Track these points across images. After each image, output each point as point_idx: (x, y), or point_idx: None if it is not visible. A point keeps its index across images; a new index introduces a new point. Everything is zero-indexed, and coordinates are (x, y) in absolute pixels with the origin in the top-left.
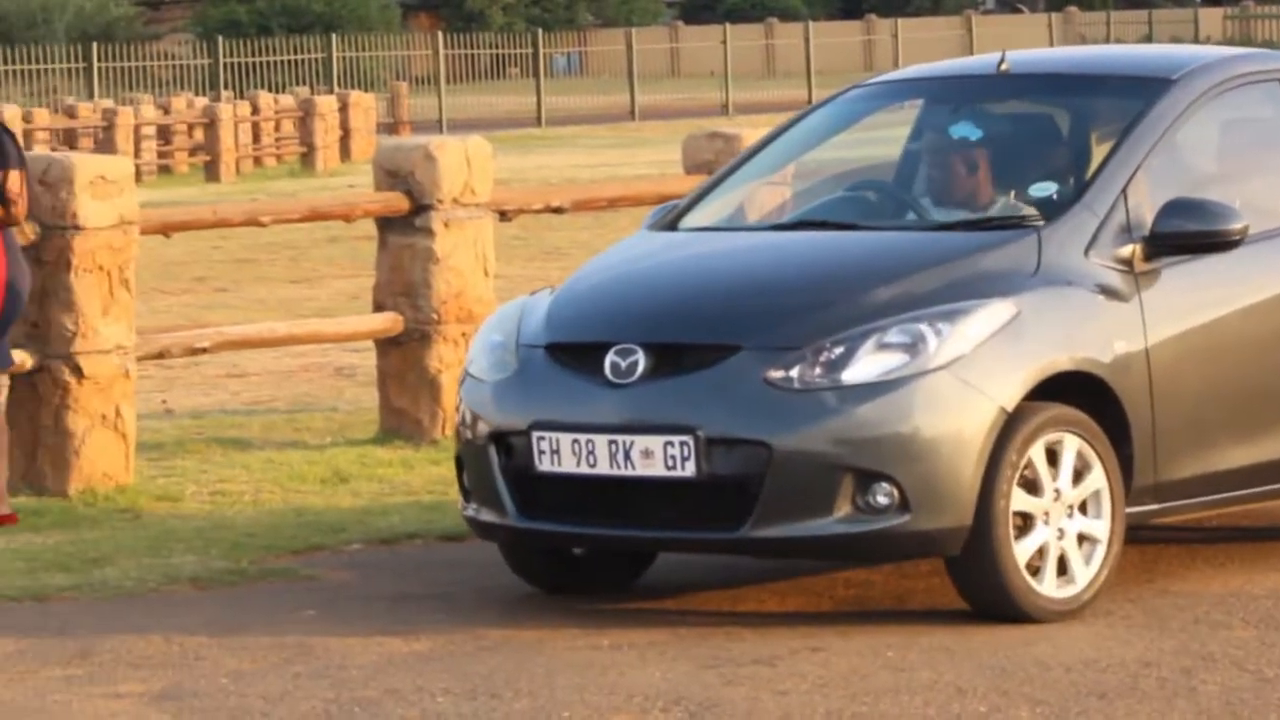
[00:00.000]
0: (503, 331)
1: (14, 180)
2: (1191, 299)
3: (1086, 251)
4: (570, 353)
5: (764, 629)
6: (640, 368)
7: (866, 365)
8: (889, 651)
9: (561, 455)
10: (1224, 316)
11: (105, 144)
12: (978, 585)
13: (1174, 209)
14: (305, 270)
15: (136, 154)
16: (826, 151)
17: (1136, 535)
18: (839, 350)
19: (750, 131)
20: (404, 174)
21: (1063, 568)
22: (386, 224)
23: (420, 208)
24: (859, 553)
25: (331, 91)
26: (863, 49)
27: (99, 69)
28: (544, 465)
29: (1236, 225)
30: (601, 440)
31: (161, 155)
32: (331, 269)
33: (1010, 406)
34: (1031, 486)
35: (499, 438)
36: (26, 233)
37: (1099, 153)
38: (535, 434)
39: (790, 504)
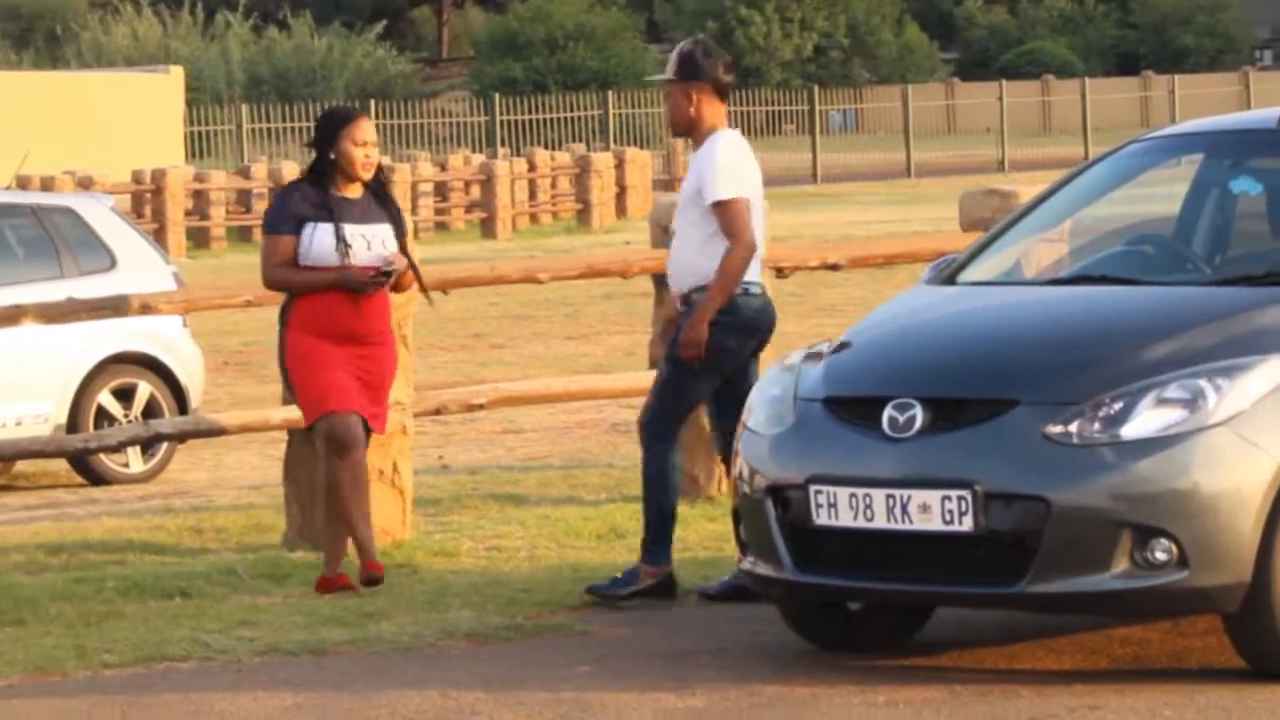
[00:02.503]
0: (781, 386)
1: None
2: None
3: None
4: (848, 407)
5: (1041, 687)
6: (918, 422)
7: (1146, 420)
8: (1166, 710)
9: (839, 509)
10: None
11: None
12: (1256, 643)
13: None
14: (581, 326)
15: (414, 210)
16: (1103, 207)
17: None
18: (1118, 405)
19: (1026, 188)
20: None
21: None
22: (662, 280)
23: None
24: (1136, 609)
25: (607, 148)
26: (1139, 105)
27: (377, 126)
28: (821, 519)
29: None
30: (879, 494)
31: (439, 212)
32: (607, 325)
33: None
34: None
35: (776, 491)
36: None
37: None
38: (813, 487)
39: (1068, 559)
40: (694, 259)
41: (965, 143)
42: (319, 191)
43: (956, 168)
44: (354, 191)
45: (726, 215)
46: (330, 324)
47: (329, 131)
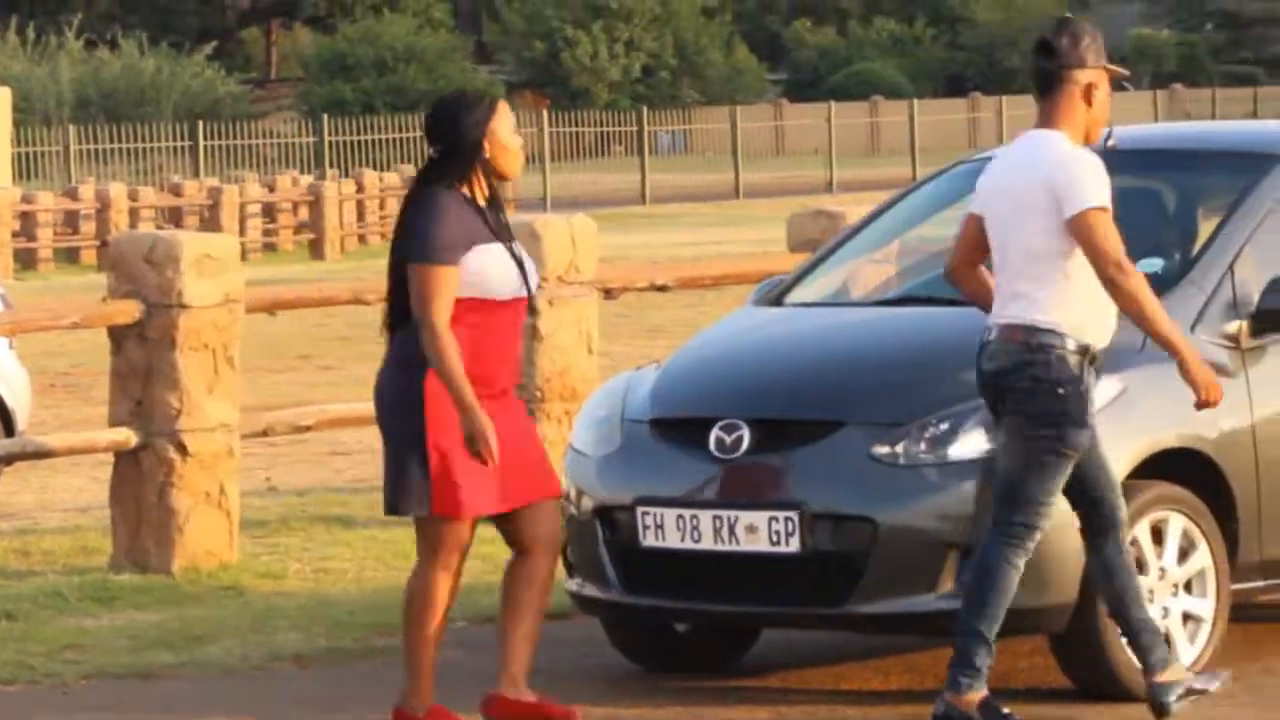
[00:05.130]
0: (607, 407)
1: None
2: None
3: (1193, 327)
4: (675, 428)
5: (868, 707)
6: (745, 443)
7: (971, 441)
8: None
9: (666, 530)
10: None
11: (211, 222)
12: (1082, 663)
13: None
14: None
15: (242, 232)
16: (931, 228)
17: (1242, 613)
18: (944, 426)
19: (854, 209)
20: None
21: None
22: None
23: None
24: None
25: None
26: (967, 126)
27: (205, 147)
28: (648, 540)
29: None
30: (706, 516)
31: (267, 233)
32: None
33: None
34: (1136, 564)
35: (604, 512)
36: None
37: (1205, 229)
38: (640, 509)
39: (893, 580)
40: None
41: (794, 163)
42: (465, 200)
43: (785, 189)
44: (483, 198)
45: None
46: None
47: (477, 120)
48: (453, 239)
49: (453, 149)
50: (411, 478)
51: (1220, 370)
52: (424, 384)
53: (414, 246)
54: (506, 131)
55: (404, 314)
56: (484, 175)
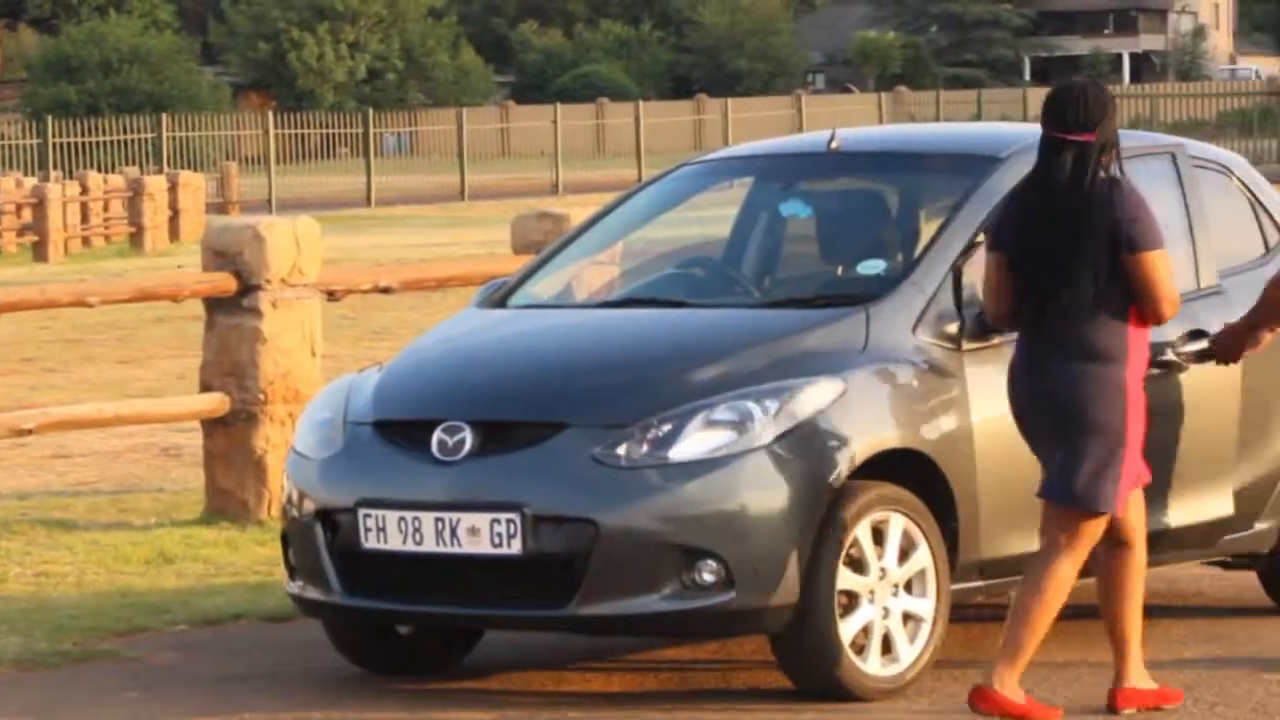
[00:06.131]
0: (330, 408)
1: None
2: None
3: (914, 329)
4: (397, 430)
5: (589, 708)
6: (467, 445)
7: (694, 443)
8: None
9: (388, 533)
10: None
11: None
12: (802, 663)
13: None
14: (133, 351)
15: None
16: (655, 230)
17: (962, 613)
18: (666, 428)
19: (579, 211)
20: (232, 254)
21: (887, 646)
22: (214, 304)
23: (248, 288)
24: (684, 630)
25: (161, 171)
26: (693, 128)
27: None
28: (370, 543)
29: None
30: (428, 518)
31: None
32: (159, 349)
33: (837, 484)
34: (857, 565)
35: (325, 515)
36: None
37: (928, 230)
38: (361, 511)
39: (616, 581)
40: None
41: (520, 165)
42: None
43: (511, 191)
44: None
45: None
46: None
47: (1104, 109)
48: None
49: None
50: (1112, 474)
51: (939, 371)
52: (1126, 378)
53: (1152, 236)
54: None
55: (1079, 305)
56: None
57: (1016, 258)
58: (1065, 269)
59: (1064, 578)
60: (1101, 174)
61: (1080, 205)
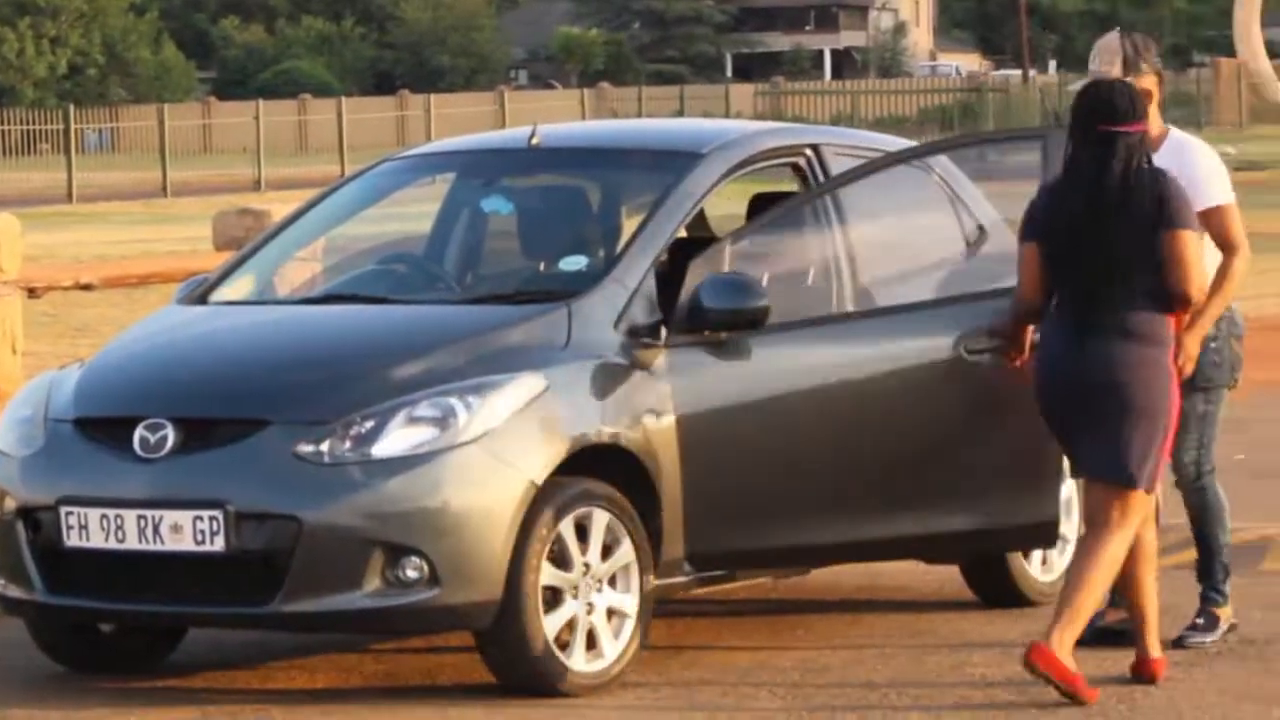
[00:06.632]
0: (31, 406)
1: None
2: (719, 375)
3: (616, 325)
4: (99, 427)
5: (293, 706)
6: (169, 442)
7: (396, 439)
8: None
9: (90, 530)
10: (751, 396)
11: None
12: (507, 659)
13: (702, 285)
14: None
15: None
16: (357, 226)
17: (666, 608)
18: (369, 424)
19: (281, 207)
20: None
21: (592, 642)
22: None
23: None
24: (389, 627)
25: None
26: (396, 124)
27: None
28: (72, 540)
29: (761, 304)
30: (131, 515)
31: None
32: None
33: (540, 480)
34: (561, 560)
35: (27, 513)
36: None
37: (630, 227)
38: (63, 509)
39: (320, 578)
40: None
41: (223, 162)
42: None
43: (214, 187)
44: None
45: (1227, 221)
46: None
47: (1143, 102)
48: None
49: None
50: (1157, 453)
51: (642, 367)
52: (1169, 362)
53: (1190, 217)
54: None
55: (1129, 291)
56: None
57: (1057, 249)
58: (1117, 257)
59: (1116, 555)
60: (1146, 163)
61: (1132, 194)
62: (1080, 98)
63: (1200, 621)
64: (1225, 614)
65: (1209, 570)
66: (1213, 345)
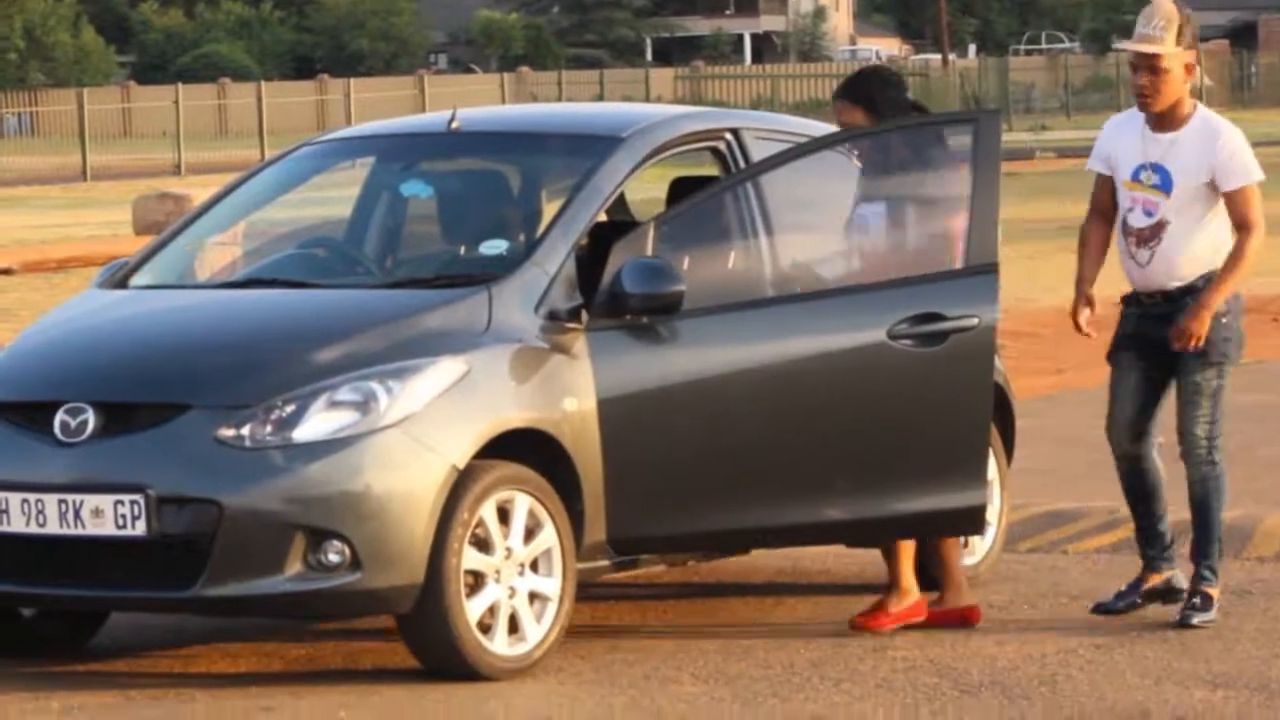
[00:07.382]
0: None
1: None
2: (640, 359)
3: (537, 309)
4: (19, 412)
5: (216, 690)
6: (90, 426)
7: (317, 423)
8: (341, 711)
9: (10, 515)
10: (672, 380)
11: None
12: (429, 643)
13: (623, 269)
14: None
15: None
16: (276, 210)
17: (589, 592)
18: (290, 408)
19: (201, 191)
20: None
21: (514, 625)
22: None
23: None
24: (310, 611)
25: None
26: (316, 108)
27: None
28: None
29: (678, 288)
30: (51, 500)
31: None
32: None
33: (461, 464)
34: (483, 544)
35: None
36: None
37: (550, 210)
38: None
39: (241, 562)
40: (1199, 248)
41: (143, 146)
42: None
43: (134, 171)
44: None
45: (1250, 200)
46: None
47: None
48: None
49: None
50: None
51: (563, 351)
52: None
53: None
54: None
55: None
56: None
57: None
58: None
59: None
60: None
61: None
62: None
63: (1197, 601)
64: (1216, 593)
65: (1206, 549)
66: (1224, 321)
